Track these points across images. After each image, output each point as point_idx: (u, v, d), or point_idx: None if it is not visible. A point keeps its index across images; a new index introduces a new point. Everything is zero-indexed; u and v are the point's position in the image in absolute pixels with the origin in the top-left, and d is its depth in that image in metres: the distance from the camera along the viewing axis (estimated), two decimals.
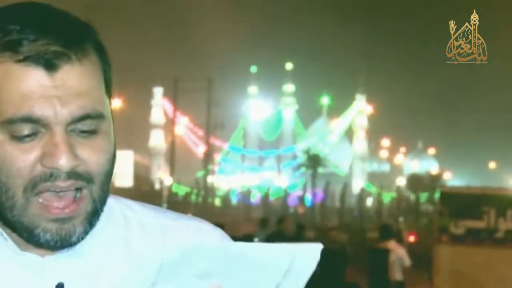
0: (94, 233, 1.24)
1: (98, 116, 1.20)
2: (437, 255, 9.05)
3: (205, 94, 60.84)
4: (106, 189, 1.23)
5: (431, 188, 63.98)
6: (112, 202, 1.32)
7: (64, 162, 1.15)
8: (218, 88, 71.83)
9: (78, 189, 1.18)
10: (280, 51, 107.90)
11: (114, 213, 1.32)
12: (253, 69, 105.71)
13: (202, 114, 66.16)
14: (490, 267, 8.51)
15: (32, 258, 1.23)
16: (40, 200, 1.17)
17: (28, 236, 1.19)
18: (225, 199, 77.78)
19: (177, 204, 56.68)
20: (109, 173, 1.22)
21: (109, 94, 1.25)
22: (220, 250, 1.10)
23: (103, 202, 1.23)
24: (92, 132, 1.20)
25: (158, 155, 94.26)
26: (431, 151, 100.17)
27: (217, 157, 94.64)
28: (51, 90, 1.16)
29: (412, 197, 72.27)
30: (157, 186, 73.11)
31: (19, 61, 1.16)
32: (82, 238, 1.20)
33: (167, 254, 1.11)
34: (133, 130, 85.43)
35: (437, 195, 10.61)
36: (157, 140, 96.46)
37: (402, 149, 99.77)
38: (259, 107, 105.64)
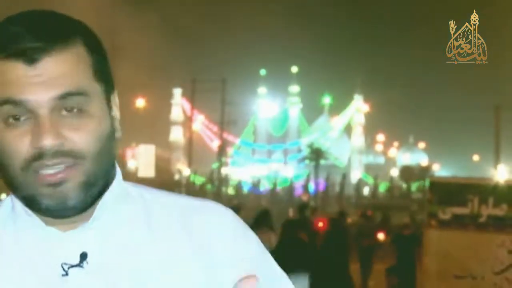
0: (112, 210, 1.22)
1: (79, 94, 1.15)
2: (426, 238, 9.05)
3: (219, 94, 60.66)
4: (101, 165, 1.18)
5: (421, 178, 63.91)
6: (130, 188, 1.28)
7: (47, 141, 1.12)
8: (231, 89, 71.68)
9: (68, 167, 1.15)
10: (287, 56, 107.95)
11: (132, 194, 1.27)
12: (262, 72, 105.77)
13: (217, 112, 65.96)
14: (474, 248, 8.50)
15: (54, 231, 1.19)
16: (35, 174, 1.14)
17: (34, 205, 1.17)
18: (237, 188, 77.82)
19: (195, 192, 56.76)
20: (102, 151, 1.18)
21: (102, 82, 1.20)
22: None
23: (98, 176, 1.18)
24: (77, 112, 1.15)
25: (177, 148, 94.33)
26: (421, 145, 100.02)
27: (230, 150, 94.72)
28: (33, 78, 1.13)
29: (404, 186, 72.24)
30: (176, 176, 73.20)
31: (2, 58, 1.14)
32: (84, 204, 1.17)
33: None
34: (155, 127, 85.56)
35: (426, 184, 10.60)
36: (177, 135, 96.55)
37: (395, 143, 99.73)
38: (268, 106, 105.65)
